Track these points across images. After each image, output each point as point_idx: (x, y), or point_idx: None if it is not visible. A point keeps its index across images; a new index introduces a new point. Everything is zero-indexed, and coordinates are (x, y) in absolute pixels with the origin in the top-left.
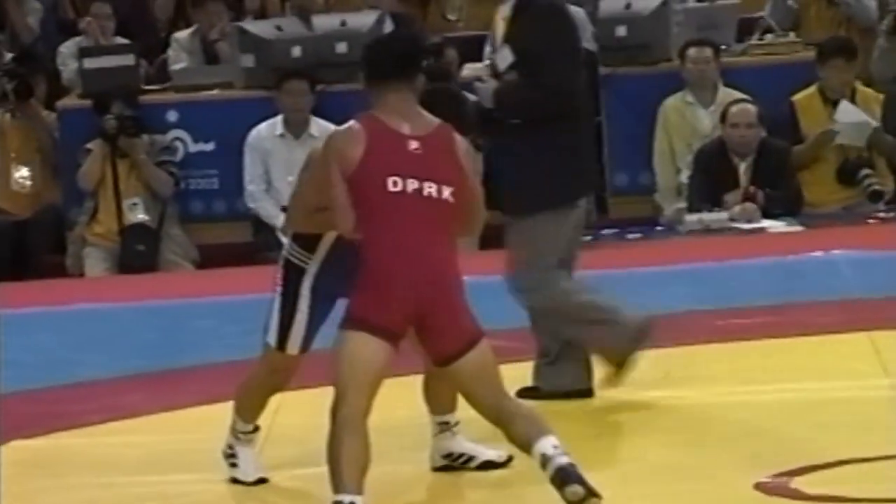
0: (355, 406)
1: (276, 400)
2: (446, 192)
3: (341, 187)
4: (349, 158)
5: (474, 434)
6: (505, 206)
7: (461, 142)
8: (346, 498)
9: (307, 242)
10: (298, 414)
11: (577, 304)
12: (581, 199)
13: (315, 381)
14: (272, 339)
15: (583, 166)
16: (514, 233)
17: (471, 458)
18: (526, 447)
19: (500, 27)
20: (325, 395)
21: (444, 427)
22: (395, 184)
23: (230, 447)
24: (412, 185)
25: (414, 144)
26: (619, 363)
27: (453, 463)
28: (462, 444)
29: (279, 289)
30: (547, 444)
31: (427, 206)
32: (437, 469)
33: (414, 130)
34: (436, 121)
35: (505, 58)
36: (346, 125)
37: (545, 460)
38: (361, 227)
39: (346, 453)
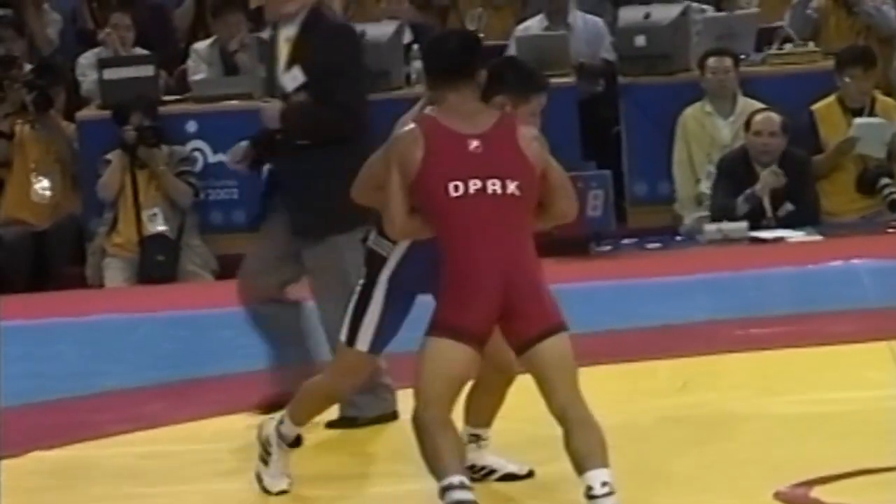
0: (440, 409)
1: None
2: (511, 187)
3: (398, 196)
4: (409, 164)
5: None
6: (296, 229)
7: (525, 131)
8: (455, 479)
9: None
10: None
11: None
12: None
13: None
14: (343, 334)
15: None
16: (311, 257)
17: (492, 471)
18: (578, 467)
19: (283, 48)
20: None
21: (474, 440)
22: (456, 188)
23: (268, 443)
24: (474, 185)
25: (474, 143)
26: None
27: (474, 475)
28: (486, 457)
29: (360, 282)
30: (597, 479)
31: (493, 203)
32: None
33: (474, 128)
34: (495, 113)
35: (295, 78)
36: (407, 128)
37: (591, 496)
38: (433, 231)
39: (442, 445)
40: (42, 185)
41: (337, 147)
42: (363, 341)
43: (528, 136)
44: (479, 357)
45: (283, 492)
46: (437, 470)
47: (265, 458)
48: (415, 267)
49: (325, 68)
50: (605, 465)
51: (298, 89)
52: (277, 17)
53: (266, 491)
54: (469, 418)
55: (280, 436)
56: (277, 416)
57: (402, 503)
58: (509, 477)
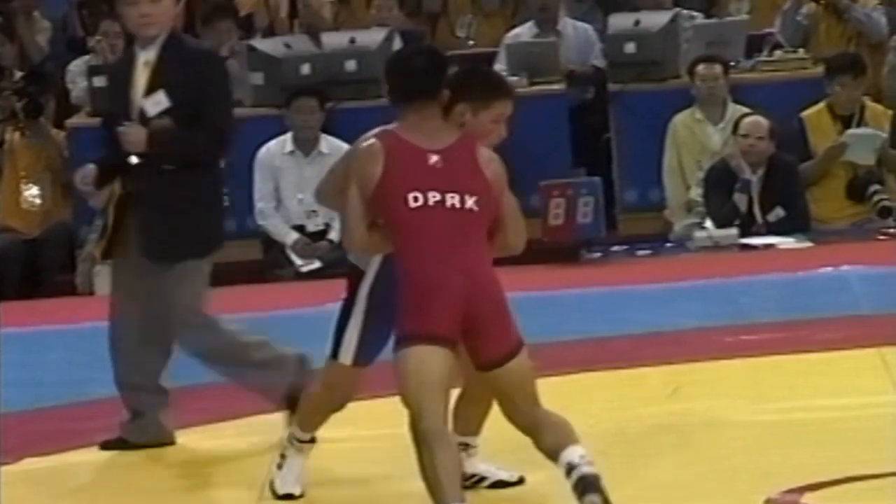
0: (434, 419)
1: None
2: (470, 202)
3: (356, 209)
4: (368, 177)
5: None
6: (152, 253)
7: (485, 152)
8: None
9: None
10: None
11: (243, 345)
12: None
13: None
14: (328, 347)
15: (222, 213)
16: (169, 281)
17: (483, 479)
18: (554, 456)
19: (142, 72)
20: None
21: (463, 448)
22: (415, 199)
23: (284, 449)
24: (433, 197)
25: (434, 158)
26: (290, 401)
27: (464, 482)
28: (476, 465)
29: (344, 296)
30: (574, 453)
31: (452, 216)
32: None
33: (434, 144)
34: (455, 132)
35: (158, 102)
36: (366, 142)
37: (570, 468)
38: (392, 243)
39: (440, 465)
40: (32, 193)
41: (196, 172)
42: (346, 355)
43: (488, 157)
44: (455, 357)
45: (288, 495)
46: (435, 494)
47: (280, 464)
48: (392, 281)
49: (194, 93)
50: (577, 442)
51: (162, 114)
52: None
53: (273, 492)
54: (457, 427)
55: (292, 441)
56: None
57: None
58: (500, 484)
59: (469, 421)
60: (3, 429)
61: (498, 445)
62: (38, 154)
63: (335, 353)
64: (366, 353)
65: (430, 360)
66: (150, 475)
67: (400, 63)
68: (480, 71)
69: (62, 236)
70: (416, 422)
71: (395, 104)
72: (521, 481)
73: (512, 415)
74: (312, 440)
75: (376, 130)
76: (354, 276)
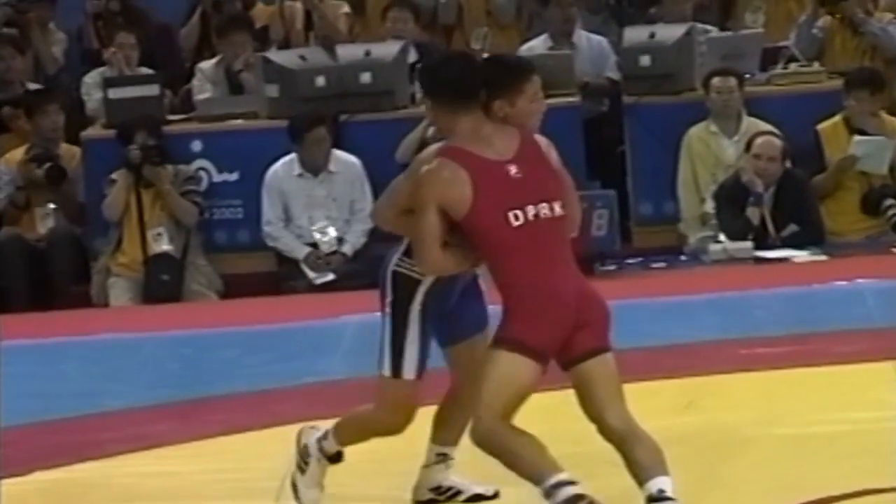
0: (498, 420)
1: None
2: (557, 208)
3: (435, 234)
4: (459, 200)
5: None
6: None
7: (544, 143)
8: (562, 476)
9: None
10: None
11: None
12: None
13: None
14: (386, 368)
15: None
16: None
17: (459, 493)
18: (641, 476)
19: None
20: None
21: (442, 459)
22: (516, 217)
23: (306, 453)
24: (531, 212)
25: (513, 169)
26: None
27: (439, 496)
28: (451, 478)
29: (388, 310)
30: (665, 484)
31: (548, 227)
32: (419, 502)
33: (503, 153)
34: (513, 132)
35: None
36: (437, 163)
37: (650, 500)
38: (493, 262)
39: (524, 447)
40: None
41: None
42: (409, 370)
43: (546, 146)
44: (542, 375)
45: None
46: (533, 473)
47: (302, 467)
48: (446, 288)
49: None
50: (666, 472)
51: None
52: None
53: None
54: (437, 436)
55: (321, 449)
56: (321, 427)
57: None
58: (477, 498)
59: (450, 428)
60: (15, 440)
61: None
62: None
63: (397, 372)
64: (424, 362)
65: (520, 369)
66: (163, 485)
67: (441, 70)
68: (496, 61)
69: (70, 244)
70: (486, 420)
71: (445, 113)
72: (496, 495)
73: (602, 413)
74: (339, 455)
75: (436, 148)
76: (406, 286)
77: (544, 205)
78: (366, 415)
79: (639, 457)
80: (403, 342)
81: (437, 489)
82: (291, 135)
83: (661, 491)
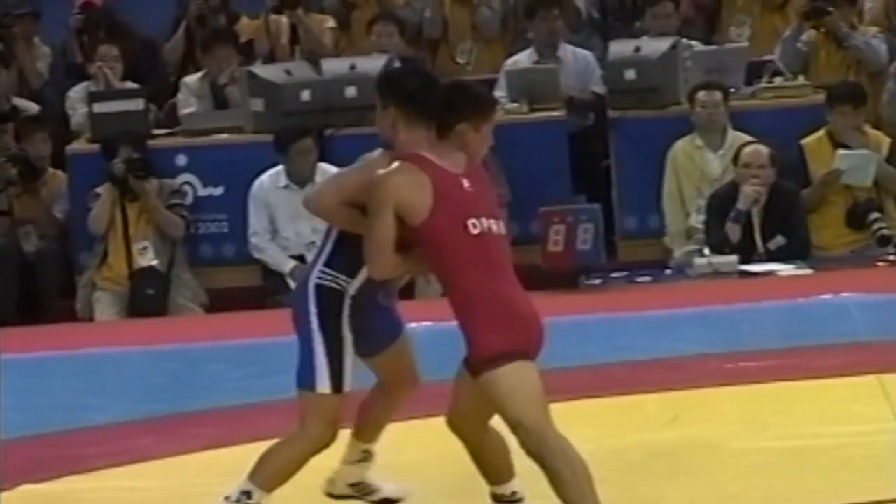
0: (555, 433)
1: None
2: (503, 227)
3: (388, 233)
4: (419, 207)
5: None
6: None
7: (481, 168)
8: None
9: (346, 264)
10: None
11: None
12: None
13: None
14: (324, 384)
15: None
16: None
17: (374, 491)
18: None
19: None
20: None
21: (367, 456)
22: (474, 225)
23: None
24: (485, 223)
25: (466, 182)
26: None
27: (356, 493)
28: (372, 476)
29: (315, 325)
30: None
31: (498, 241)
32: (336, 496)
33: (454, 167)
34: (459, 153)
35: None
36: (399, 166)
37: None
38: (450, 272)
39: (583, 476)
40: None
41: None
42: (348, 383)
43: (485, 172)
44: None
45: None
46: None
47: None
48: (363, 308)
49: None
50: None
51: None
52: None
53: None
54: (363, 434)
55: None
56: (227, 493)
57: None
58: (387, 501)
59: (376, 428)
60: (2, 454)
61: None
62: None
63: (338, 387)
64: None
65: (528, 374)
66: (148, 499)
67: (407, 81)
68: (468, 86)
69: (55, 259)
70: (540, 439)
71: (414, 122)
72: (402, 499)
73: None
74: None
75: (390, 152)
76: (331, 299)
77: (492, 220)
78: (290, 444)
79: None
80: (342, 355)
81: (357, 485)
82: (277, 146)
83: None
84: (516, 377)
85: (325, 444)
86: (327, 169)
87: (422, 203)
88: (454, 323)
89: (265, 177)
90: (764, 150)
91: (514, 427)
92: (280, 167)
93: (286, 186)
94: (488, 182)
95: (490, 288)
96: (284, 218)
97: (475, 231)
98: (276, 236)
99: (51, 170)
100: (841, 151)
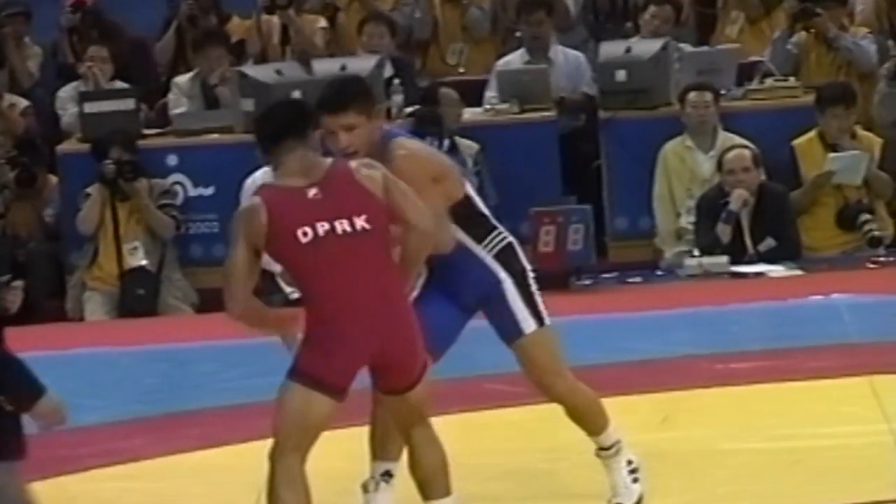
0: (293, 461)
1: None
2: (360, 222)
3: (242, 274)
4: (256, 230)
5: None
6: None
7: (356, 165)
8: None
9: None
10: None
11: None
12: None
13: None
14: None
15: None
16: None
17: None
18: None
19: None
20: None
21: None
22: (304, 234)
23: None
24: (322, 227)
25: (312, 192)
26: None
27: None
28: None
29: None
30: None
31: (347, 242)
32: None
33: (310, 179)
34: (329, 161)
35: None
36: (246, 203)
37: None
38: (297, 285)
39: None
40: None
41: None
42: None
43: (361, 168)
44: (338, 405)
45: None
46: None
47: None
48: None
49: None
50: (448, 493)
51: None
52: None
53: None
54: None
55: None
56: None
57: None
58: None
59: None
60: None
61: (486, 472)
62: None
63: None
64: None
65: (311, 404)
66: (140, 500)
67: (265, 116)
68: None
69: (45, 259)
70: (277, 455)
71: (271, 154)
72: None
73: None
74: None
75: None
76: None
77: (342, 220)
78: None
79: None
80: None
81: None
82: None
83: None
84: (295, 398)
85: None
86: None
87: (258, 226)
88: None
89: (259, 173)
90: (746, 153)
91: (275, 436)
92: None
93: None
94: (349, 182)
95: (321, 302)
96: None
97: (305, 240)
98: None
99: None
100: (832, 155)
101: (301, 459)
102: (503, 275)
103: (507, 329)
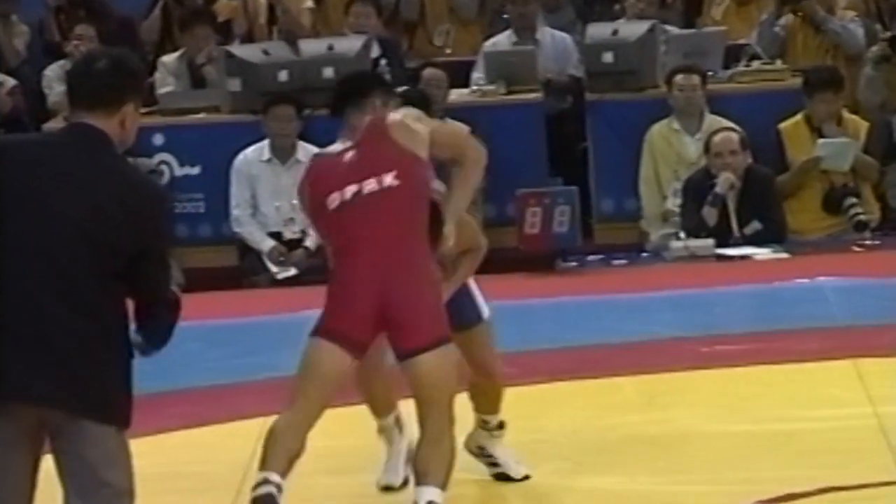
0: (293, 416)
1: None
2: (388, 179)
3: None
4: (305, 201)
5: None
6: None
7: (391, 120)
8: (266, 475)
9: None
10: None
11: None
12: None
13: None
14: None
15: None
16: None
17: (494, 463)
18: (415, 478)
19: None
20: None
21: (483, 425)
22: (333, 200)
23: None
24: (350, 191)
25: (348, 155)
26: None
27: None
28: (496, 447)
29: None
30: (424, 495)
31: (370, 200)
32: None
33: (345, 143)
34: (369, 119)
35: None
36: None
37: None
38: (325, 244)
39: (274, 443)
40: None
41: None
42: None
43: (396, 123)
44: (355, 360)
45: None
46: (262, 461)
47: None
48: None
49: None
50: (437, 485)
51: None
52: None
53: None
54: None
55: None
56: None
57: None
58: (502, 476)
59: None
60: None
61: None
62: None
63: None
64: None
65: (326, 355)
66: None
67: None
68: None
69: None
70: (285, 408)
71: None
72: (525, 478)
73: (416, 409)
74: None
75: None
76: None
77: (369, 180)
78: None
79: (418, 457)
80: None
81: (481, 450)
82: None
83: (428, 502)
84: (312, 351)
85: None
86: (309, 147)
87: (303, 197)
88: None
89: (249, 150)
90: (734, 136)
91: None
92: (265, 141)
93: (269, 160)
94: (382, 139)
95: (342, 265)
96: (266, 192)
97: (333, 206)
98: (256, 212)
99: None
100: (821, 140)
101: (301, 413)
102: None
103: (468, 315)
